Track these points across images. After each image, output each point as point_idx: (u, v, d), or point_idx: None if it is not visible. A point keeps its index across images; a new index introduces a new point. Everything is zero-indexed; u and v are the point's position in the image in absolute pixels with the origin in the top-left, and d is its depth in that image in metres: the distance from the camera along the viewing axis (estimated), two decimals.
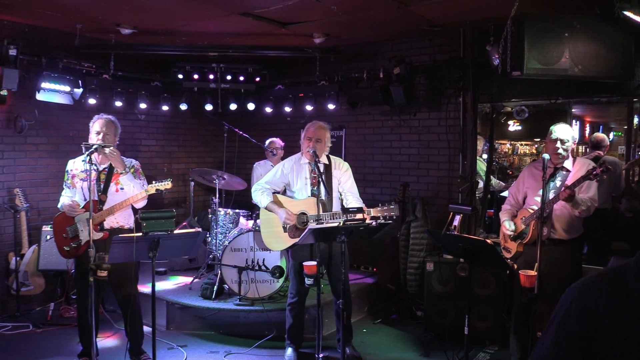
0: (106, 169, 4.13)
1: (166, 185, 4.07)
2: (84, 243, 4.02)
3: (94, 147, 3.80)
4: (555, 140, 3.85)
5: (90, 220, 3.64)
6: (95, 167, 3.97)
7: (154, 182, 4.07)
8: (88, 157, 3.70)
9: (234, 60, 6.68)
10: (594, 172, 3.49)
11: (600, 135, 5.82)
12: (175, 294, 5.36)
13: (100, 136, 4.03)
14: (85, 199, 4.07)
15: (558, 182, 3.89)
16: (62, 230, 4.07)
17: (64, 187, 4.23)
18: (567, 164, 3.91)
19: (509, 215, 4.14)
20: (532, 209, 3.91)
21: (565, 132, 3.86)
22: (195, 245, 3.79)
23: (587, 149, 6.31)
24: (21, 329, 5.07)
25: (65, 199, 4.15)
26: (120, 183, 4.12)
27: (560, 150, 3.84)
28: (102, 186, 4.08)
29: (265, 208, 4.34)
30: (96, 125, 4.09)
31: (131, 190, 4.10)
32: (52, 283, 5.66)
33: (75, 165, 4.20)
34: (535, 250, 3.77)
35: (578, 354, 1.22)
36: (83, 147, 3.80)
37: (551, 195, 3.82)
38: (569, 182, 3.74)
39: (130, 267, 4.03)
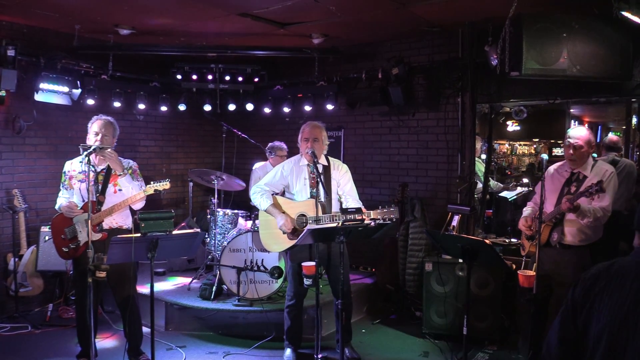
0: (104, 170, 4.12)
1: (164, 185, 4.05)
2: (83, 244, 4.02)
3: (92, 148, 3.80)
4: (569, 146, 3.86)
5: (89, 221, 3.63)
6: (93, 169, 3.97)
7: (152, 182, 4.06)
8: (86, 158, 3.69)
9: (232, 61, 6.68)
10: (589, 190, 3.51)
11: (614, 137, 5.81)
12: (174, 295, 5.35)
13: (99, 137, 4.03)
14: (83, 200, 4.07)
15: (573, 188, 3.86)
16: (60, 231, 4.07)
17: (61, 188, 4.22)
18: (585, 169, 3.87)
19: (530, 212, 4.13)
20: (546, 212, 3.89)
21: (578, 138, 3.84)
22: (194, 245, 3.79)
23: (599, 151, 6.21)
24: (20, 329, 5.05)
25: (63, 200, 4.15)
26: (118, 184, 4.12)
27: (574, 157, 3.84)
28: (100, 187, 4.07)
29: (265, 211, 4.33)
30: (94, 126, 4.09)
31: (129, 191, 4.09)
32: (51, 284, 5.65)
33: (73, 167, 4.19)
34: (547, 253, 3.81)
35: None
36: (81, 149, 3.79)
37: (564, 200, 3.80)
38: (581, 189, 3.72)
39: (129, 268, 4.02)
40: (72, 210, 4.02)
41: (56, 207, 4.17)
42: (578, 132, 3.90)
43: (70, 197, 4.16)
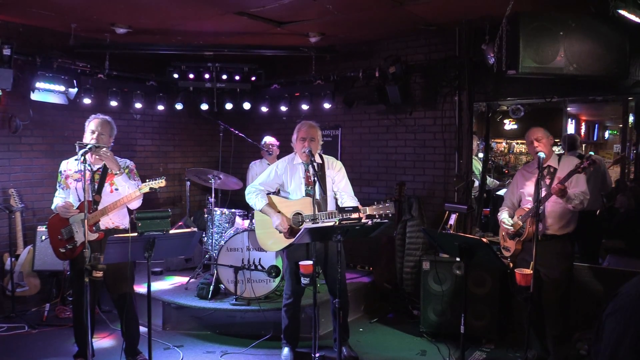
0: (100, 170, 4.11)
1: (160, 183, 4.02)
2: (80, 244, 4.00)
3: (88, 147, 3.77)
4: (532, 142, 4.08)
5: (85, 221, 3.61)
6: (89, 168, 3.95)
7: (147, 180, 4.04)
8: (82, 157, 3.67)
9: (229, 60, 6.67)
10: (582, 166, 3.69)
11: (574, 134, 5.86)
12: (171, 294, 5.35)
13: (95, 135, 4.01)
14: (79, 200, 4.05)
15: (547, 180, 4.05)
16: (57, 232, 4.05)
17: (58, 188, 4.20)
18: (553, 162, 4.09)
19: (506, 214, 4.29)
20: (528, 208, 4.07)
21: (535, 131, 4.09)
22: (191, 245, 3.78)
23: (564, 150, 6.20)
24: (16, 330, 5.04)
25: (59, 200, 4.13)
26: (114, 184, 4.09)
27: (538, 148, 4.01)
28: (96, 186, 4.06)
29: (260, 211, 4.33)
30: (91, 125, 4.07)
31: (126, 190, 4.06)
32: (48, 283, 5.65)
33: (69, 166, 4.17)
34: (538, 245, 3.89)
35: None
36: (77, 146, 3.76)
37: (543, 192, 3.94)
38: (558, 178, 3.92)
39: (125, 267, 4.00)
40: (67, 210, 4.00)
41: (52, 207, 4.15)
42: (534, 129, 4.13)
43: (66, 196, 4.14)
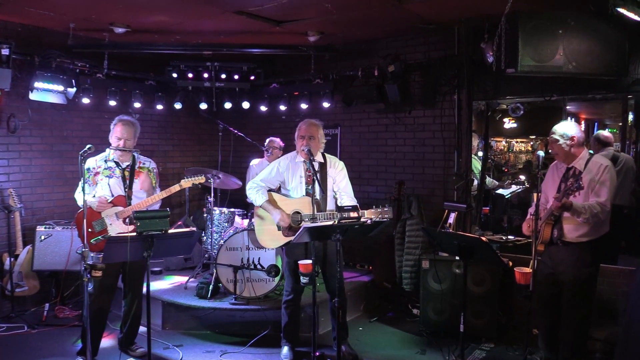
0: (129, 167, 4.29)
1: (200, 179, 4.40)
2: None
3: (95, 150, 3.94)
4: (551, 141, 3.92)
5: (114, 214, 3.92)
6: (119, 167, 4.26)
7: (187, 177, 4.35)
8: (110, 155, 4.11)
9: (228, 59, 6.66)
10: (571, 188, 3.54)
11: (602, 132, 5.81)
12: (170, 294, 5.35)
13: (122, 142, 4.22)
14: (112, 195, 4.21)
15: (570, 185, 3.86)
16: (88, 224, 4.08)
17: (84, 184, 4.16)
18: (578, 163, 3.85)
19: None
20: (547, 207, 3.91)
21: (553, 132, 3.89)
22: (190, 244, 3.79)
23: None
24: (16, 330, 5.04)
25: (83, 195, 4.11)
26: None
27: (554, 151, 3.90)
28: (127, 182, 4.25)
29: (260, 207, 4.33)
30: (117, 131, 4.26)
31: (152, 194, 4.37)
32: (47, 283, 5.64)
33: (98, 163, 4.29)
34: (551, 250, 3.84)
35: None
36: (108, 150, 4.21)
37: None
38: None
39: (143, 265, 4.03)
40: (103, 204, 4.14)
41: (80, 202, 4.05)
42: (555, 126, 3.92)
43: (89, 192, 4.20)
